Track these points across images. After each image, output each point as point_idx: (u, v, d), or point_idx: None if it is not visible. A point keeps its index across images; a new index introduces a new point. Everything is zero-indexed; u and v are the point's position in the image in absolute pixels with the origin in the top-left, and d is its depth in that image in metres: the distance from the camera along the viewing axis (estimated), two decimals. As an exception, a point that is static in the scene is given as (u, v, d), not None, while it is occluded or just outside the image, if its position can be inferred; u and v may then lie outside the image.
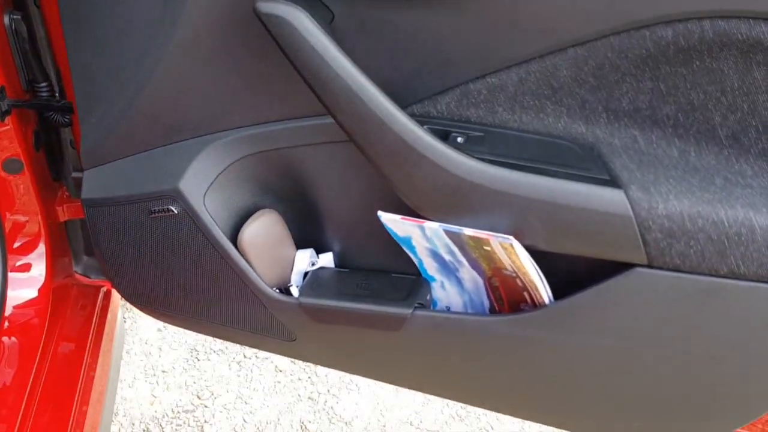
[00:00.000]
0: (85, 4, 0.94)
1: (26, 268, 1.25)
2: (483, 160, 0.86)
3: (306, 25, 0.81)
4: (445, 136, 0.90)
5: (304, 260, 1.08)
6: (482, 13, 0.85)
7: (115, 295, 1.52)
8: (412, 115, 0.87)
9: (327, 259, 1.09)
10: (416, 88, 0.92)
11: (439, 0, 0.84)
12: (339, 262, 1.09)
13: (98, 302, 1.46)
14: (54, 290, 1.30)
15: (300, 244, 1.09)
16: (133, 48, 0.94)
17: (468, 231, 0.88)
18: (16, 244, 1.24)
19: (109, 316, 1.48)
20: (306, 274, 1.08)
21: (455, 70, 0.90)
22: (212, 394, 1.93)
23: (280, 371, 2.00)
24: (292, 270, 1.08)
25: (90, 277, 1.41)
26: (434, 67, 0.90)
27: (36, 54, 1.10)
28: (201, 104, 0.97)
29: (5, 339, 1.18)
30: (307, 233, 1.09)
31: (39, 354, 1.21)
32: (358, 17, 0.87)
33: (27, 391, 1.15)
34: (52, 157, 1.26)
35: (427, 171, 0.86)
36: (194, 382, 1.95)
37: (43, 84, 1.13)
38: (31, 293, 1.26)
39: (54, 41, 1.11)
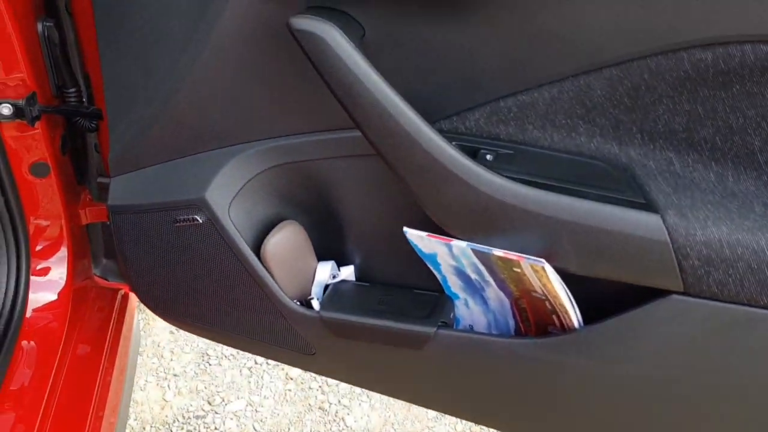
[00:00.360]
0: (119, 14, 0.94)
1: (47, 271, 1.25)
2: (513, 179, 0.85)
3: (339, 41, 0.81)
4: (473, 153, 0.89)
5: (325, 273, 1.07)
6: (516, 30, 0.84)
7: (133, 299, 1.52)
8: (440, 131, 0.86)
9: (348, 272, 1.08)
10: (445, 104, 0.92)
11: (472, 16, 0.84)
12: (360, 275, 1.09)
13: (116, 305, 1.46)
14: (73, 293, 1.30)
15: (321, 257, 1.08)
16: (164, 57, 0.94)
17: (497, 251, 0.87)
18: (38, 247, 1.24)
19: (126, 319, 1.48)
20: (326, 286, 1.08)
21: (485, 87, 0.89)
22: (223, 401, 1.93)
23: (291, 379, 1.99)
24: (312, 282, 1.07)
25: (108, 280, 1.41)
26: (464, 83, 0.90)
27: (66, 60, 1.10)
28: (229, 115, 0.97)
29: (24, 343, 1.18)
30: (328, 245, 1.08)
31: (58, 358, 1.21)
32: (389, 33, 0.87)
33: (45, 396, 1.15)
34: (77, 160, 1.26)
35: (456, 189, 0.85)
36: (205, 387, 1.95)
37: (72, 89, 1.14)
38: (51, 296, 1.26)
39: (84, 48, 1.12)
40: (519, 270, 0.87)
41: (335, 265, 1.09)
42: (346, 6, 0.85)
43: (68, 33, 1.10)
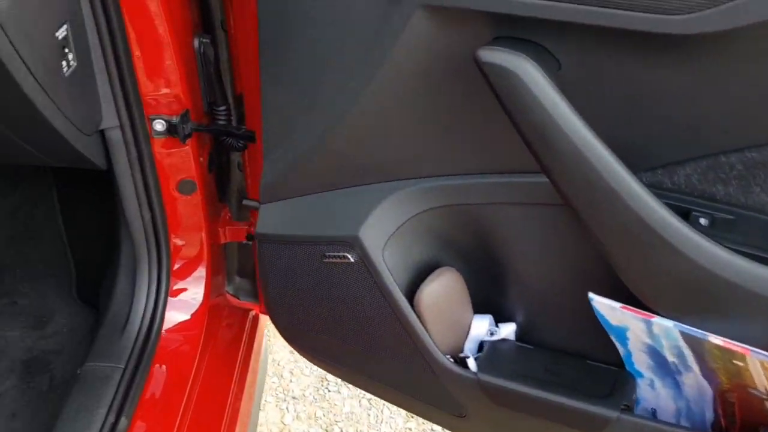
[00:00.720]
0: (285, 38, 0.88)
1: (184, 291, 1.22)
2: (736, 251, 0.71)
3: (533, 76, 0.71)
4: (684, 215, 0.75)
5: (482, 328, 0.97)
6: (754, 76, 0.69)
7: (263, 320, 1.47)
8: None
9: (508, 331, 0.97)
10: (650, 154, 0.79)
11: (699, 58, 0.70)
12: (522, 335, 0.97)
13: (246, 326, 1.42)
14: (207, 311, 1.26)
15: (479, 309, 0.98)
16: (329, 86, 0.88)
17: (715, 339, 0.72)
18: (176, 266, 1.21)
19: (255, 342, 1.44)
20: (481, 343, 0.97)
21: (705, 138, 0.75)
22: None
23: (412, 417, 1.89)
24: (466, 336, 0.97)
25: (240, 299, 1.37)
26: (678, 132, 0.76)
27: (219, 78, 1.07)
28: (393, 148, 0.90)
29: (157, 367, 1.15)
30: (488, 298, 0.98)
31: (191, 378, 1.17)
32: (590, 69, 0.75)
33: (179, 413, 1.11)
34: (220, 178, 1.22)
35: (667, 259, 0.72)
36: (324, 415, 1.88)
37: (222, 107, 1.10)
38: (185, 316, 1.23)
39: (237, 65, 1.07)
40: (741, 363, 0.73)
41: (493, 320, 0.98)
42: (540, 36, 0.74)
43: (221, 50, 1.07)
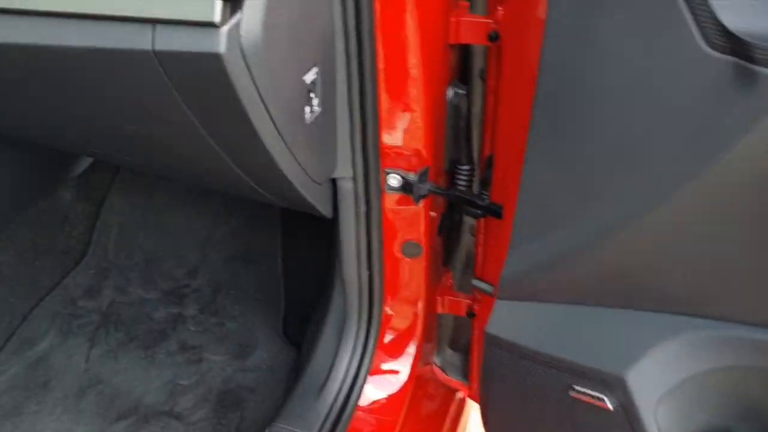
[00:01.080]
0: (573, 104, 0.69)
1: (389, 372, 1.06)
2: None
3: None
4: None
5: None
6: None
7: (469, 405, 1.28)
8: None
9: None
10: None
11: None
12: None
13: (451, 410, 1.23)
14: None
15: None
16: (623, 175, 0.69)
17: None
18: (386, 339, 1.06)
19: (460, 425, 1.25)
20: None
21: None
22: None
23: None
24: None
25: (447, 374, 1.19)
26: None
27: (468, 134, 0.94)
28: (697, 274, 0.70)
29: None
30: None
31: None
32: None
33: None
34: (448, 240, 1.07)
35: None
36: None
37: (466, 167, 0.97)
38: (384, 395, 1.06)
39: (492, 122, 0.92)
40: None
41: None
42: None
43: (475, 103, 0.94)
